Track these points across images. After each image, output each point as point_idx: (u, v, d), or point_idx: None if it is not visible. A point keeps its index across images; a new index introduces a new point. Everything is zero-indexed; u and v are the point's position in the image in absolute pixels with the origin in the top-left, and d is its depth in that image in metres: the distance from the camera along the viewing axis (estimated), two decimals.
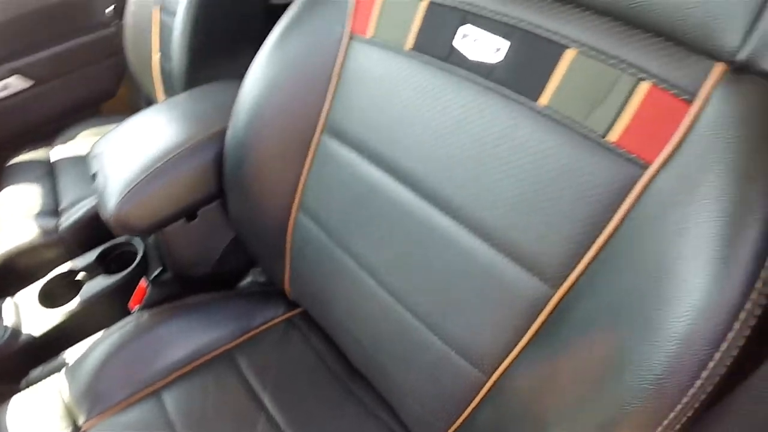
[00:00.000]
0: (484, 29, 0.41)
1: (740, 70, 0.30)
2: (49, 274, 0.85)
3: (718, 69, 0.31)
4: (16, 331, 0.77)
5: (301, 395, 0.61)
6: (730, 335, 0.28)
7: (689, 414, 0.30)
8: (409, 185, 0.47)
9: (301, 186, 0.59)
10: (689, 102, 0.31)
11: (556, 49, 0.37)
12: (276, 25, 0.57)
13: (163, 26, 1.12)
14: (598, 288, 0.35)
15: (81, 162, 1.11)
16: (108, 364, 0.62)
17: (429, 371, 0.48)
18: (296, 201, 0.60)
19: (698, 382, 0.29)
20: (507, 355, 0.41)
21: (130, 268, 0.82)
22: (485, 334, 0.43)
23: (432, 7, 0.44)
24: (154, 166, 0.63)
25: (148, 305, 0.73)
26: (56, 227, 0.92)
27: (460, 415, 0.46)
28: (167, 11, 1.10)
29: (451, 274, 0.45)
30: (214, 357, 0.64)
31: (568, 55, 0.36)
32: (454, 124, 0.43)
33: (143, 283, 0.75)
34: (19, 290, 0.84)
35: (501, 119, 0.40)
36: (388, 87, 0.48)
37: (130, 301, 0.76)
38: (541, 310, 0.39)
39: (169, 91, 1.14)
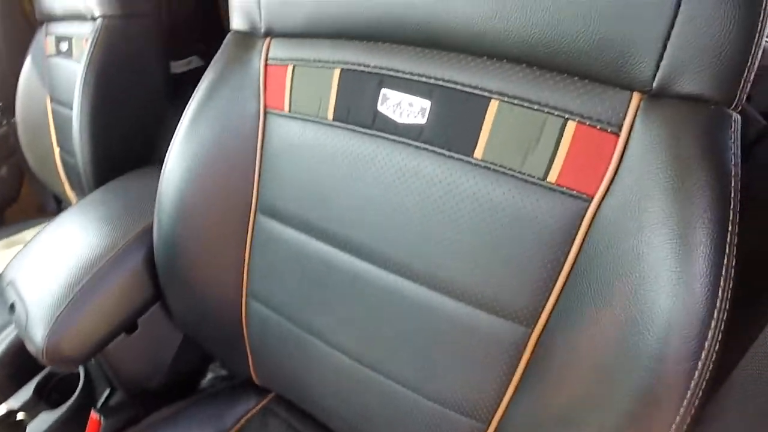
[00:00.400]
0: (404, 92, 0.40)
1: (657, 96, 0.32)
2: None
3: (636, 99, 0.32)
4: None
5: None
6: (707, 344, 0.30)
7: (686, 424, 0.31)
8: (362, 256, 0.46)
9: (245, 272, 0.55)
10: (616, 134, 0.33)
11: (480, 103, 0.37)
12: (187, 106, 0.54)
13: (58, 117, 1.05)
14: (572, 319, 0.36)
15: None
16: None
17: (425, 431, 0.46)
18: (244, 287, 0.56)
19: (688, 394, 0.31)
20: (501, 399, 0.41)
21: (73, 398, 0.73)
22: (474, 385, 0.42)
23: (345, 75, 0.43)
24: (78, 285, 0.56)
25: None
26: None
27: None
28: (58, 101, 1.04)
29: (426, 335, 0.43)
30: None
31: (493, 107, 0.36)
32: (393, 189, 0.42)
33: (94, 415, 0.66)
34: None
35: (440, 178, 0.39)
36: (315, 159, 0.46)
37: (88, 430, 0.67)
38: (524, 349, 0.39)
39: (78, 187, 1.06)
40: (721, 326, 0.30)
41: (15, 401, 0.75)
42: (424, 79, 0.39)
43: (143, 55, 0.89)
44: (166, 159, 0.53)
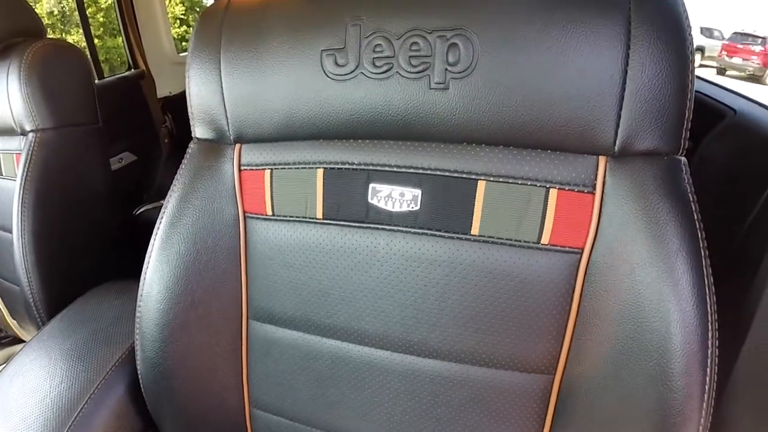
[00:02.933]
0: (393, 184, 0.42)
1: (620, 157, 0.37)
2: None
3: (602, 162, 0.38)
4: None
5: None
6: (709, 352, 0.36)
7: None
8: (375, 344, 0.46)
9: (245, 383, 0.52)
10: (591, 193, 0.38)
11: (469, 185, 0.40)
12: (159, 218, 0.51)
13: None
14: (588, 359, 0.40)
15: None
16: None
17: None
18: (246, 399, 0.53)
19: (705, 398, 0.37)
20: None
21: None
22: None
23: (330, 174, 0.44)
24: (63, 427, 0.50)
25: None
26: None
27: None
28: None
29: (453, 407, 0.45)
30: None
31: (481, 187, 0.40)
32: (398, 275, 0.43)
33: None
34: None
35: (442, 258, 0.41)
36: (309, 258, 0.46)
37: None
38: (550, 395, 0.43)
39: (14, 310, 0.96)
40: (715, 335, 0.36)
41: None
42: (411, 170, 0.41)
43: (82, 163, 0.85)
44: (141, 282, 0.50)
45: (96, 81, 1.49)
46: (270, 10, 0.44)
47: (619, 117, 0.36)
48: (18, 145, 0.83)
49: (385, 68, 0.39)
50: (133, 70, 1.70)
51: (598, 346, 0.40)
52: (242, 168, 0.47)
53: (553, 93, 0.36)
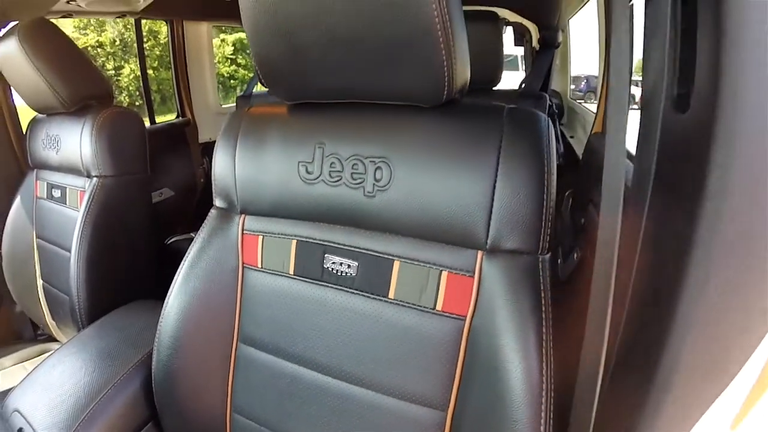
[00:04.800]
0: (339, 256, 0.59)
1: (492, 252, 0.52)
2: None
3: (480, 254, 0.52)
4: None
5: None
6: (544, 393, 0.48)
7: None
8: (320, 370, 0.61)
9: (230, 390, 0.68)
10: (472, 276, 0.52)
11: (388, 262, 0.56)
12: (182, 262, 0.69)
13: (44, 253, 1.18)
14: (471, 398, 0.53)
15: None
16: None
17: None
18: (228, 404, 0.69)
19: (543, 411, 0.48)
20: None
21: None
22: None
23: (300, 244, 0.62)
24: (86, 411, 0.67)
25: None
26: None
27: None
28: (46, 239, 1.17)
29: (371, 428, 0.59)
30: None
31: (396, 265, 0.56)
32: (338, 321, 0.60)
33: None
34: None
35: (368, 312, 0.58)
36: (282, 301, 0.63)
37: None
38: (443, 429, 0.55)
39: (58, 315, 1.16)
40: (551, 380, 0.48)
41: None
42: (352, 248, 0.58)
43: (133, 203, 1.07)
44: (165, 305, 0.68)
45: (148, 126, 1.76)
46: (270, 125, 0.63)
47: (488, 225, 0.51)
48: (83, 184, 1.06)
49: (336, 178, 0.57)
50: (180, 118, 1.98)
51: (476, 391, 0.52)
52: (244, 232, 0.66)
53: (443, 204, 0.52)
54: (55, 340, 1.29)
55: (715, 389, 0.39)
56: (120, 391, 0.71)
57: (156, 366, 0.69)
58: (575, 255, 0.87)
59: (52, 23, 1.07)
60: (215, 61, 2.30)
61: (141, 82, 2.01)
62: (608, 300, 0.41)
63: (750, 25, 0.32)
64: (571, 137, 2.06)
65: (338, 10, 0.47)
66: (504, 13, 2.06)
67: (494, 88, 1.41)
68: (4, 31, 1.10)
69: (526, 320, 0.49)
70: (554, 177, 0.50)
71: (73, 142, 1.06)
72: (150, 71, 2.06)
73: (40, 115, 1.23)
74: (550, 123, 0.52)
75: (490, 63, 1.35)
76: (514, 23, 2.43)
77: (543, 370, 0.48)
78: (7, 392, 0.80)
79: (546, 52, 1.52)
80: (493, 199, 0.50)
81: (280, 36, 0.52)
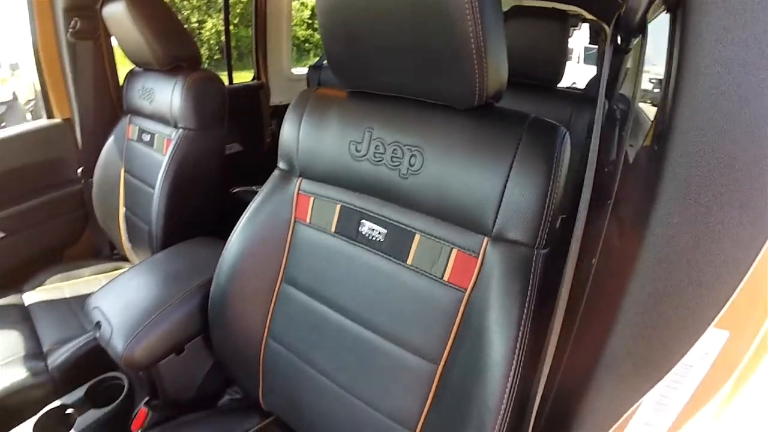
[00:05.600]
0: (372, 223, 0.70)
1: (496, 239, 0.60)
2: (40, 412, 0.94)
3: (485, 240, 0.61)
4: None
5: None
6: (514, 362, 0.55)
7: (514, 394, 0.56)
8: (342, 313, 0.73)
9: (268, 320, 0.82)
10: (476, 257, 0.61)
11: (411, 234, 0.67)
12: (247, 209, 0.83)
13: (129, 186, 1.38)
14: (460, 357, 0.62)
15: (56, 306, 1.26)
16: None
17: None
18: (266, 330, 0.83)
19: (507, 391, 0.56)
20: (422, 413, 0.66)
21: (119, 400, 0.98)
22: (405, 402, 0.67)
23: (343, 209, 0.74)
24: (152, 315, 0.85)
25: (149, 427, 0.89)
26: (45, 368, 1.05)
27: None
28: (132, 174, 1.37)
29: (376, 367, 0.70)
30: None
31: (417, 237, 0.66)
32: (364, 275, 0.71)
33: (144, 409, 0.91)
34: (11, 429, 0.93)
35: (389, 272, 0.69)
36: (321, 253, 0.76)
37: (133, 424, 0.90)
38: (433, 378, 0.65)
39: (135, 240, 1.36)
40: (523, 348, 0.55)
41: (68, 399, 0.98)
42: (384, 218, 0.69)
43: (209, 154, 1.24)
44: (228, 242, 0.83)
45: (227, 85, 1.94)
46: (330, 106, 0.75)
47: (496, 216, 0.59)
48: (170, 132, 1.23)
49: (379, 159, 0.68)
50: (256, 80, 2.15)
51: (465, 350, 0.61)
52: (300, 192, 0.79)
53: (462, 193, 0.61)
54: (126, 260, 1.50)
55: (649, 379, 0.43)
56: (180, 305, 0.87)
57: (214, 289, 0.84)
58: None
59: None
60: (293, 23, 2.43)
61: (224, 40, 2.19)
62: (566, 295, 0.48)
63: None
64: (631, 146, 2.02)
65: (391, 18, 0.57)
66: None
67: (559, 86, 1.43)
68: None
69: (513, 300, 0.57)
70: (560, 184, 0.56)
71: (165, 97, 1.23)
72: (230, 27, 2.24)
73: (138, 69, 1.41)
74: (567, 135, 0.58)
75: (553, 61, 1.37)
76: (591, 20, 2.38)
77: (518, 340, 0.56)
78: (86, 295, 0.98)
79: (616, 55, 1.52)
80: (502, 195, 0.58)
81: (344, 34, 0.63)
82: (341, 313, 0.74)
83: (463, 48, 0.53)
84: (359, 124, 0.70)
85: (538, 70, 1.35)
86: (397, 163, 0.66)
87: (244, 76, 2.27)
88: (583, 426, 0.50)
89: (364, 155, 0.69)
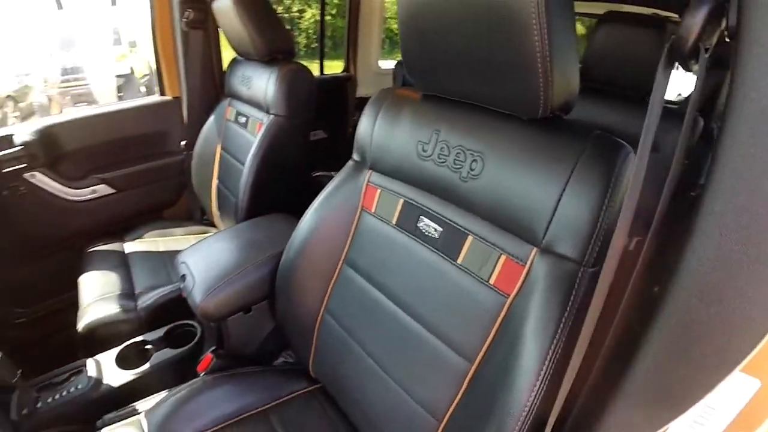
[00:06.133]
0: (430, 220, 0.75)
1: (544, 251, 0.60)
2: (125, 343, 1.14)
3: (534, 250, 0.61)
4: (97, 383, 1.04)
5: None
6: (542, 375, 0.55)
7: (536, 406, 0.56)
8: (394, 301, 0.79)
9: (327, 296, 0.90)
10: (523, 266, 0.62)
11: (464, 236, 0.69)
12: (320, 194, 0.92)
13: (223, 160, 1.54)
14: (493, 358, 0.63)
15: (150, 257, 1.46)
16: (178, 411, 0.86)
17: (405, 422, 0.74)
18: (324, 304, 0.90)
19: (529, 402, 0.56)
20: (449, 407, 0.68)
21: (191, 344, 1.13)
22: (436, 394, 0.70)
23: (405, 204, 0.79)
24: (229, 275, 0.97)
25: (211, 371, 1.01)
26: (135, 307, 1.23)
27: None
28: (227, 151, 1.52)
29: (416, 356, 0.73)
30: (254, 414, 0.89)
31: (469, 239, 0.69)
32: (417, 268, 0.75)
33: (209, 354, 1.04)
34: (100, 353, 1.12)
35: (440, 268, 0.72)
36: (381, 242, 0.82)
37: (199, 366, 1.04)
38: (466, 376, 0.67)
39: (222, 208, 1.52)
40: (553, 360, 0.54)
41: (149, 336, 1.15)
42: (441, 217, 0.73)
43: (295, 139, 1.36)
44: (301, 220, 0.92)
45: (317, 75, 2.08)
46: (404, 106, 0.80)
47: (547, 228, 0.59)
48: (262, 117, 1.36)
49: (443, 160, 0.71)
50: (345, 72, 2.29)
51: (499, 354, 0.62)
52: (369, 183, 0.85)
53: (517, 202, 0.62)
54: (214, 225, 1.67)
55: (667, 414, 0.42)
56: (253, 270, 0.99)
57: (283, 261, 0.94)
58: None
59: None
60: (387, 16, 2.51)
61: (318, 33, 2.33)
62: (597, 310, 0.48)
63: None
64: None
65: (461, 26, 0.59)
66: None
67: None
68: None
69: (551, 313, 0.57)
70: (616, 203, 0.55)
71: (260, 85, 1.37)
72: (327, 17, 2.38)
73: (239, 58, 1.56)
74: (631, 155, 0.56)
75: (646, 70, 1.25)
76: None
77: (548, 354, 0.56)
78: (176, 251, 1.12)
79: (717, 67, 1.42)
80: (556, 208, 0.58)
81: (418, 39, 0.67)
82: (392, 300, 0.79)
83: (529, 59, 0.54)
84: (428, 125, 0.75)
85: (628, 80, 1.29)
86: (458, 166, 0.69)
87: (337, 66, 2.40)
88: None
89: (430, 155, 0.74)
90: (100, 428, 0.86)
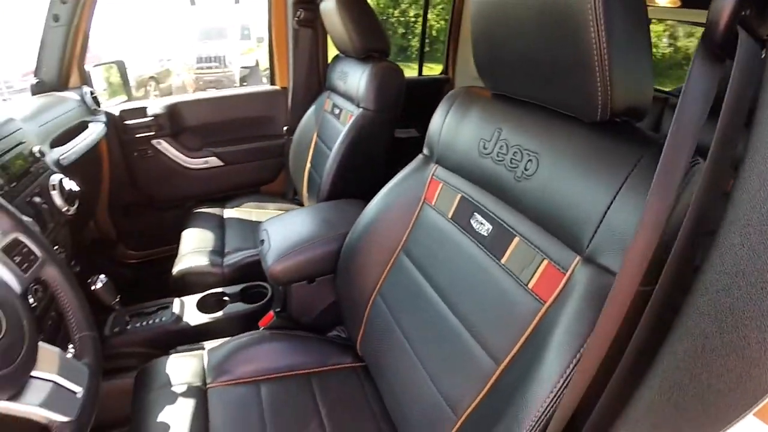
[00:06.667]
0: (482, 217, 0.76)
1: (587, 261, 0.57)
2: (206, 292, 1.31)
3: (577, 258, 0.58)
4: (177, 319, 1.21)
5: (346, 419, 0.90)
6: (557, 388, 0.53)
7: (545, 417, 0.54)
8: (438, 292, 0.81)
9: (381, 280, 0.95)
10: (564, 273, 0.59)
11: (511, 236, 0.69)
12: (390, 181, 0.99)
13: (317, 148, 1.67)
14: (518, 363, 0.62)
15: (243, 224, 1.65)
16: (236, 355, 0.98)
17: (427, 412, 0.76)
18: (378, 287, 0.95)
19: (539, 413, 0.54)
20: (470, 405, 0.68)
21: (261, 303, 1.26)
22: (460, 390, 0.70)
23: (461, 199, 0.81)
24: (298, 246, 1.07)
25: (270, 327, 1.13)
26: (221, 263, 1.40)
27: None
28: (321, 139, 1.66)
29: (449, 349, 0.75)
30: (297, 374, 0.97)
31: (516, 240, 0.68)
32: (464, 264, 0.77)
33: (271, 313, 1.16)
34: (185, 296, 1.31)
35: (484, 266, 0.73)
36: (436, 235, 0.85)
37: (260, 321, 1.17)
38: (491, 376, 0.66)
39: (310, 191, 1.66)
40: (570, 374, 0.52)
41: (228, 290, 1.30)
42: (491, 214, 0.74)
43: (379, 132, 1.44)
44: (368, 206, 0.99)
45: (416, 76, 2.17)
46: (473, 105, 0.83)
47: (593, 236, 0.56)
48: (353, 109, 1.47)
49: (501, 159, 0.73)
50: (443, 75, 2.35)
51: (524, 359, 0.60)
52: (433, 177, 0.90)
53: (565, 207, 0.60)
54: (302, 205, 1.82)
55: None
56: (321, 245, 1.09)
57: (347, 241, 1.02)
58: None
59: None
60: None
61: (420, 36, 2.41)
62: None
63: None
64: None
65: (523, 27, 0.61)
66: None
67: None
68: None
69: (581, 326, 0.54)
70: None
71: (355, 80, 1.47)
72: (442, 23, 2.42)
73: (341, 55, 1.70)
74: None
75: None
76: None
77: (569, 367, 0.53)
78: (264, 221, 1.26)
79: None
80: (603, 216, 0.55)
81: (486, 40, 0.70)
82: (437, 292, 0.81)
83: (586, 58, 0.53)
84: (492, 123, 0.77)
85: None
86: (514, 166, 0.70)
87: (435, 71, 2.46)
88: None
89: (489, 153, 0.75)
90: (170, 354, 1.00)
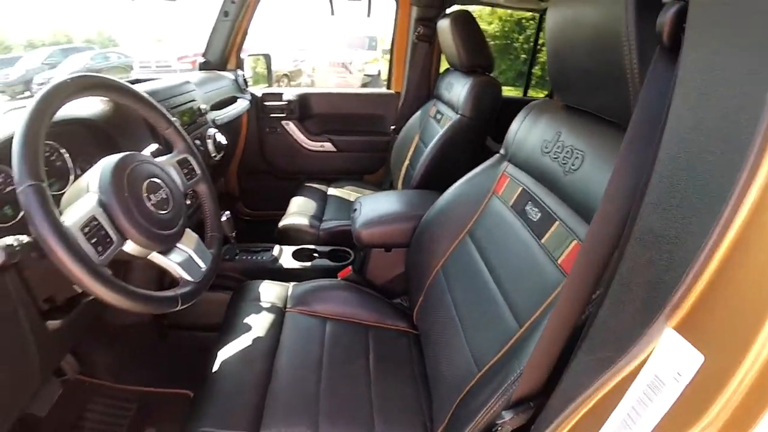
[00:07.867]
0: (534, 205, 0.89)
1: None
2: (302, 246, 1.58)
3: None
4: (274, 260, 1.50)
5: (388, 369, 1.02)
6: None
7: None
8: (486, 263, 0.95)
9: (445, 258, 1.10)
10: None
11: (553, 220, 0.80)
12: (468, 172, 1.15)
13: (417, 148, 1.88)
14: (537, 328, 0.71)
15: (342, 201, 1.91)
16: (314, 292, 1.19)
17: (457, 369, 0.88)
18: (441, 263, 1.10)
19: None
20: (490, 361, 0.78)
21: (344, 263, 1.50)
22: (485, 346, 0.82)
23: (522, 191, 0.95)
24: (383, 218, 1.28)
25: (344, 279, 1.35)
26: (317, 228, 1.67)
27: (461, 392, 0.82)
28: (423, 140, 1.86)
29: (485, 310, 0.87)
30: (358, 323, 1.14)
31: (555, 224, 0.79)
32: (512, 241, 0.90)
33: (350, 268, 1.39)
34: (285, 245, 1.59)
35: (528, 244, 0.84)
36: (498, 221, 0.99)
37: (339, 273, 1.41)
38: (512, 337, 0.77)
39: (405, 185, 1.87)
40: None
41: (319, 249, 1.56)
42: (542, 204, 0.86)
43: (470, 137, 1.61)
44: (445, 192, 1.17)
45: (518, 95, 2.29)
46: (545, 112, 0.96)
47: None
48: (452, 115, 1.65)
49: (556, 156, 0.85)
50: (547, 97, 2.45)
51: (539, 327, 0.69)
52: (504, 173, 1.04)
53: (598, 194, 0.69)
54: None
55: (612, 356, 0.44)
56: (400, 220, 1.29)
57: (423, 220, 1.20)
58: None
59: (472, 15, 1.64)
60: None
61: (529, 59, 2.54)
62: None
63: None
64: None
65: (581, 52, 0.73)
66: None
67: None
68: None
69: None
70: None
71: (458, 90, 1.65)
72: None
73: (450, 68, 1.89)
74: None
75: None
76: None
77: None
78: (359, 197, 1.49)
79: None
80: None
81: (556, 58, 0.83)
82: (487, 266, 0.95)
83: (620, 73, 0.61)
84: (554, 128, 0.90)
85: None
86: (565, 162, 0.81)
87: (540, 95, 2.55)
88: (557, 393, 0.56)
89: (549, 152, 0.89)
90: (264, 280, 1.25)
